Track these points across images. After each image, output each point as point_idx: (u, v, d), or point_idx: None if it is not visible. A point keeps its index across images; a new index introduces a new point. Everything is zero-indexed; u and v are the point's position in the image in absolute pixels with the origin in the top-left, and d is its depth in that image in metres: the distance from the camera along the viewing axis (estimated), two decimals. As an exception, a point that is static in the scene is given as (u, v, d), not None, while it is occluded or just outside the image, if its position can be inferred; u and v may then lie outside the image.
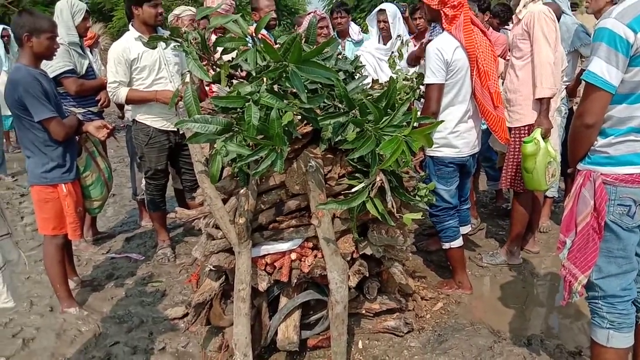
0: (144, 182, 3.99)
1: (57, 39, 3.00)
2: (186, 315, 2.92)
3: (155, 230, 4.00)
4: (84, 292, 3.39)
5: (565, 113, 4.16)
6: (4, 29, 7.43)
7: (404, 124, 2.13)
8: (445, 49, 2.81)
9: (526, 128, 3.32)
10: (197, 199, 2.71)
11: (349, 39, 4.84)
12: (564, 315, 3.03)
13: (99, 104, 3.91)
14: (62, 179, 2.94)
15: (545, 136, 3.13)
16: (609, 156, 1.89)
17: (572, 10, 4.55)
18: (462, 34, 2.81)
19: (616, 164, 1.88)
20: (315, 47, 2.61)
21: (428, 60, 2.85)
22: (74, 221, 2.99)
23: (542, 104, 3.19)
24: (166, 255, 3.83)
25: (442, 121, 2.77)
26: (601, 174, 1.90)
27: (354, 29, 4.93)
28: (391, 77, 2.68)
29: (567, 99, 4.20)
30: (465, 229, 3.37)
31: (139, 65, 3.47)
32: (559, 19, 3.81)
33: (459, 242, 3.18)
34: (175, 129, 3.59)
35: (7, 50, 7.27)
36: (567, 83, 4.15)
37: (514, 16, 3.53)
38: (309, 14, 4.54)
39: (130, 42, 3.48)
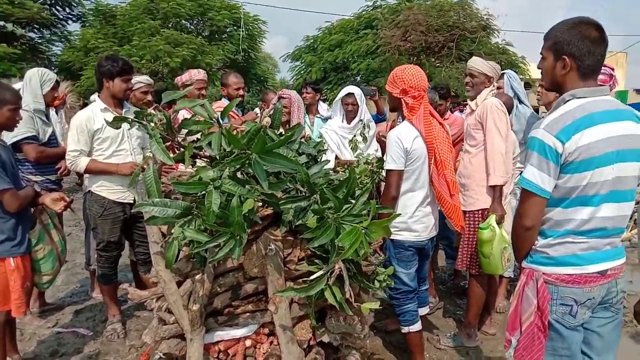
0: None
1: (23, 105, 2.99)
2: (132, 402, 2.76)
3: (106, 304, 3.84)
4: (25, 372, 3.18)
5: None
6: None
7: (363, 212, 2.18)
8: (405, 138, 2.90)
9: (479, 212, 3.44)
10: (152, 278, 2.64)
11: (318, 116, 5.00)
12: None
13: (58, 172, 3.84)
14: (11, 253, 2.82)
15: (499, 222, 3.24)
16: (549, 257, 1.93)
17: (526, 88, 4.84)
18: (422, 124, 2.92)
19: (556, 264, 1.92)
20: (279, 132, 2.71)
21: (389, 147, 2.94)
22: (19, 297, 2.85)
23: (495, 191, 3.34)
24: (116, 331, 3.66)
25: (399, 214, 2.84)
26: (543, 273, 1.93)
27: (322, 106, 5.11)
28: (351, 167, 2.76)
29: (523, 186, 4.37)
30: (423, 310, 3.37)
31: (102, 136, 3.46)
32: (510, 109, 4.06)
33: (417, 326, 3.17)
34: (131, 201, 3.54)
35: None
36: (522, 169, 4.34)
37: (467, 106, 3.73)
38: (278, 92, 4.68)
39: (95, 112, 3.48)
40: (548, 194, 1.86)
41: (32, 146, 3.65)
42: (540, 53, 1.99)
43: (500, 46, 15.43)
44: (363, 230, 2.00)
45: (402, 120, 3.02)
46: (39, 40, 17.65)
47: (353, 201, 2.23)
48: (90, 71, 14.01)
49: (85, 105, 4.53)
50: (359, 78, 16.51)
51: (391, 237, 3.05)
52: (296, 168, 2.09)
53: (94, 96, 3.76)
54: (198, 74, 4.50)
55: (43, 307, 4.11)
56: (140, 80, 4.13)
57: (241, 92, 4.56)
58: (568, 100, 1.87)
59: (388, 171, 2.95)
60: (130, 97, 3.83)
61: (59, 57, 17.53)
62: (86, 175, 3.86)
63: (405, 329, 3.15)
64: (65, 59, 16.72)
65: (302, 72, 17.84)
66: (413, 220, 3.01)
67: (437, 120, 3.06)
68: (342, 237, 2.00)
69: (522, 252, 2.02)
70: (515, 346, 2.01)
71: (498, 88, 4.01)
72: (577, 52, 1.84)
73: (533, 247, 1.98)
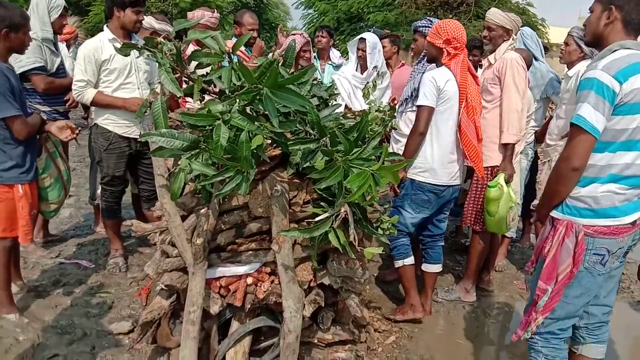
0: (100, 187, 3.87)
1: (31, 33, 2.91)
2: (132, 331, 2.82)
3: (109, 238, 3.87)
4: (27, 298, 3.23)
5: (531, 157, 4.27)
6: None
7: (373, 157, 2.13)
8: (439, 78, 2.99)
9: (489, 169, 3.39)
10: (156, 212, 2.63)
11: (330, 62, 4.88)
12: (513, 355, 3.07)
13: (66, 104, 3.78)
14: (20, 180, 2.80)
15: (508, 181, 3.20)
16: (590, 208, 1.99)
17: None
18: (459, 70, 3.01)
19: (596, 216, 1.98)
20: (292, 71, 2.63)
21: (422, 86, 3.01)
22: (26, 224, 2.85)
23: (507, 149, 3.28)
24: (118, 265, 3.70)
25: (411, 160, 2.86)
26: (583, 225, 1.99)
27: (335, 53, 4.97)
28: (364, 111, 2.70)
29: (535, 144, 4.32)
30: (436, 268, 3.38)
31: (109, 67, 3.38)
32: (529, 66, 3.94)
33: (410, 260, 3.22)
34: (137, 136, 3.50)
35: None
36: (536, 128, 4.27)
37: (485, 60, 3.62)
38: (293, 34, 4.53)
39: (103, 43, 3.38)
40: (599, 133, 1.89)
41: (40, 77, 3.56)
42: (589, 8, 2.04)
43: (521, 6, 14.97)
44: (372, 174, 1.96)
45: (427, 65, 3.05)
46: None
47: (363, 145, 2.19)
48: (99, 7, 13.66)
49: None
50: (372, 30, 16.11)
51: (412, 177, 3.09)
52: (308, 106, 2.03)
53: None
54: (211, 14, 4.33)
55: (47, 237, 4.15)
56: (151, 23, 3.98)
57: (255, 34, 4.41)
58: (615, 50, 1.92)
59: (419, 107, 3.01)
60: (138, 33, 3.71)
61: (66, -9, 17.06)
62: (92, 108, 3.81)
63: (399, 262, 3.21)
64: (72, -7, 16.28)
65: (314, 20, 17.40)
66: (437, 163, 3.04)
67: (472, 73, 3.12)
68: (350, 180, 1.96)
69: (560, 197, 2.04)
70: (549, 295, 2.07)
71: None
72: (625, 5, 1.92)
73: (571, 195, 2.01)
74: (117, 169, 3.55)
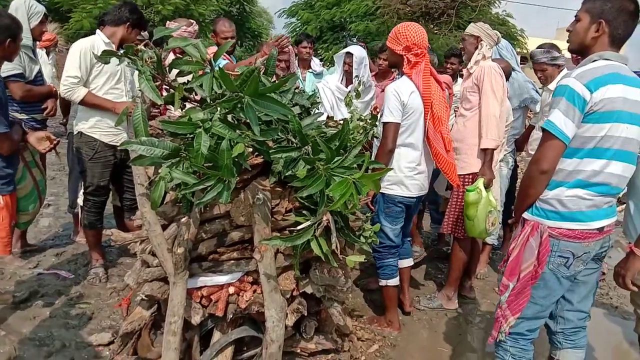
0: (81, 196, 3.81)
1: None
2: (112, 343, 2.77)
3: (89, 248, 3.80)
4: (4, 310, 3.15)
5: (512, 165, 4.33)
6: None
7: (355, 166, 2.14)
8: (402, 92, 2.94)
9: (470, 176, 3.44)
10: (136, 221, 2.60)
11: (311, 70, 4.88)
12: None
13: (44, 112, 3.72)
14: (0, 191, 2.74)
15: (487, 186, 3.25)
16: (556, 211, 2.04)
17: (520, 65, 4.79)
18: (420, 79, 2.96)
19: (562, 219, 2.03)
20: (272, 79, 2.63)
21: (387, 100, 2.97)
22: (6, 235, 2.80)
23: (486, 155, 3.33)
24: (98, 276, 3.64)
25: (392, 168, 2.88)
26: (548, 227, 2.04)
27: (315, 61, 4.99)
28: (345, 119, 2.71)
29: (515, 152, 4.38)
30: (407, 262, 3.41)
31: (101, 70, 3.35)
32: (508, 76, 4.01)
33: (395, 281, 3.25)
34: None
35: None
36: (516, 137, 4.33)
37: (465, 70, 3.68)
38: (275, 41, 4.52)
39: (98, 44, 3.36)
40: (568, 139, 1.95)
41: (19, 84, 3.49)
42: (575, 16, 2.08)
43: (501, 17, 15.22)
44: (353, 182, 1.96)
45: (401, 76, 2.99)
46: (27, -21, 16.93)
47: (345, 154, 2.19)
48: (80, 13, 13.52)
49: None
50: (355, 39, 16.23)
51: (382, 191, 3.09)
52: (289, 114, 2.03)
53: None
54: (186, 27, 4.26)
55: (25, 247, 4.06)
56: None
57: (232, 40, 4.36)
58: (595, 60, 1.99)
59: (385, 124, 2.97)
60: None
61: (46, -3, 16.87)
62: (74, 115, 3.75)
63: (383, 282, 3.24)
64: (53, 0, 16.09)
65: (297, 29, 17.46)
66: (405, 176, 3.03)
67: (436, 79, 3.05)
68: (332, 188, 1.96)
69: (531, 199, 2.09)
70: (510, 291, 2.14)
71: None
72: (613, 20, 1.98)
73: (540, 198, 2.06)
74: (102, 179, 3.51)
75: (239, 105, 2.00)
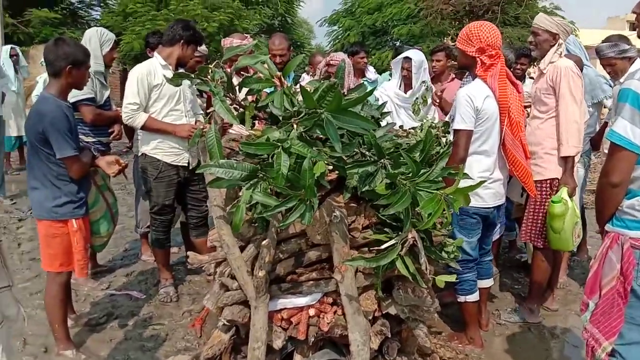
0: (147, 216, 3.84)
1: None
2: (190, 366, 2.74)
3: (158, 267, 3.83)
4: (81, 332, 3.20)
5: (588, 165, 4.09)
6: (12, 48, 7.39)
7: (440, 179, 2.02)
8: (476, 96, 2.75)
9: (547, 182, 3.23)
10: (210, 242, 2.57)
11: (365, 79, 4.79)
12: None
13: (111, 136, 3.81)
14: (74, 214, 2.78)
15: (570, 195, 3.04)
16: (637, 219, 1.85)
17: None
18: (496, 83, 2.77)
19: None
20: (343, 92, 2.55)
21: (458, 106, 2.79)
22: (82, 258, 2.83)
23: (567, 162, 3.12)
24: (169, 295, 3.66)
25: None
26: (630, 237, 1.86)
27: (370, 69, 4.90)
28: (428, 128, 2.59)
29: (591, 151, 4.13)
30: (487, 283, 3.23)
31: (160, 93, 3.38)
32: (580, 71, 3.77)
33: (474, 297, 3.06)
34: (185, 164, 3.49)
35: (15, 70, 7.19)
36: (591, 135, 4.08)
37: (536, 69, 3.47)
38: (328, 54, 4.47)
39: (156, 68, 3.39)
40: (638, 148, 1.78)
41: (89, 108, 3.60)
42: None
43: (548, 10, 14.67)
44: (445, 198, 1.85)
45: (473, 79, 2.83)
46: (79, 5, 17.73)
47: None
48: (130, 36, 13.98)
49: (125, 70, 4.43)
50: (398, 43, 16.04)
51: None
52: (371, 128, 1.94)
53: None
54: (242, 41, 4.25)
55: (95, 268, 4.14)
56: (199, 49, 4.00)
57: (277, 59, 4.22)
58: None
59: (456, 131, 2.80)
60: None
61: (98, 21, 17.55)
62: (138, 138, 3.81)
63: (462, 298, 3.06)
64: (104, 23, 16.66)
65: (339, 37, 17.45)
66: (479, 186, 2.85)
67: (511, 80, 2.87)
68: (423, 205, 1.85)
69: (607, 213, 1.93)
70: (592, 310, 1.96)
71: None
72: None
73: (619, 208, 1.89)
74: (167, 198, 3.53)
75: (318, 122, 1.93)
